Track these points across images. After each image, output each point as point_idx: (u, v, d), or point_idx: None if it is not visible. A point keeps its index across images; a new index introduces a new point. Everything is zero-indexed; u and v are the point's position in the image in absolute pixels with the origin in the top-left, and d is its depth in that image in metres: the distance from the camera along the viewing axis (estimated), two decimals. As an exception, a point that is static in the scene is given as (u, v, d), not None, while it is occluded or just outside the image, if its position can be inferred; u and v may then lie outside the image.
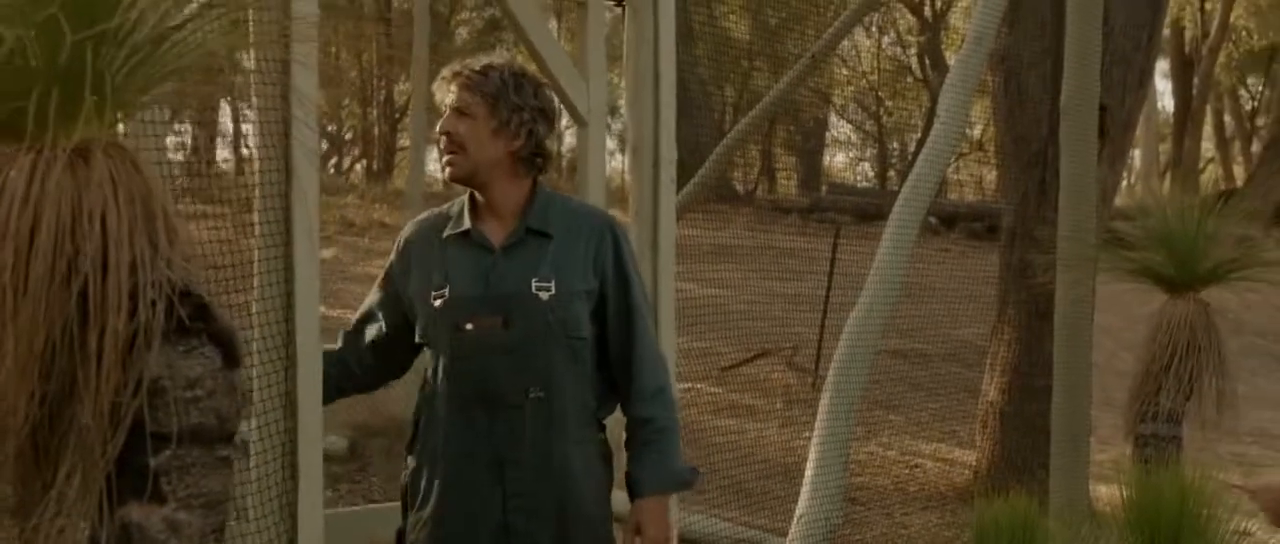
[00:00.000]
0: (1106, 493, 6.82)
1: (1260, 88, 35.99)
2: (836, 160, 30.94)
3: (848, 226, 13.69)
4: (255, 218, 3.16)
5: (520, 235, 3.27)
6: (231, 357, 2.21)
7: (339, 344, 3.48)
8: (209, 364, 2.16)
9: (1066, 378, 5.90)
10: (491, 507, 3.22)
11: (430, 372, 3.31)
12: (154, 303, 2.07)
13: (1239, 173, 32.48)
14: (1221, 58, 31.12)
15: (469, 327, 3.21)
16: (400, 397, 8.36)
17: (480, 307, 3.21)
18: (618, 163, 17.11)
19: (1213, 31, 29.35)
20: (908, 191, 5.60)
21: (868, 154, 27.95)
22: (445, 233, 3.32)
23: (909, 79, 23.47)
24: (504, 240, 3.27)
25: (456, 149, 3.22)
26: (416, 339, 3.36)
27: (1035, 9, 8.21)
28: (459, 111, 3.22)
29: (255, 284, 3.17)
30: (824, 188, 21.93)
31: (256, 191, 3.16)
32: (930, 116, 7.95)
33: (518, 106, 3.22)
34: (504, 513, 3.21)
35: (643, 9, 4.33)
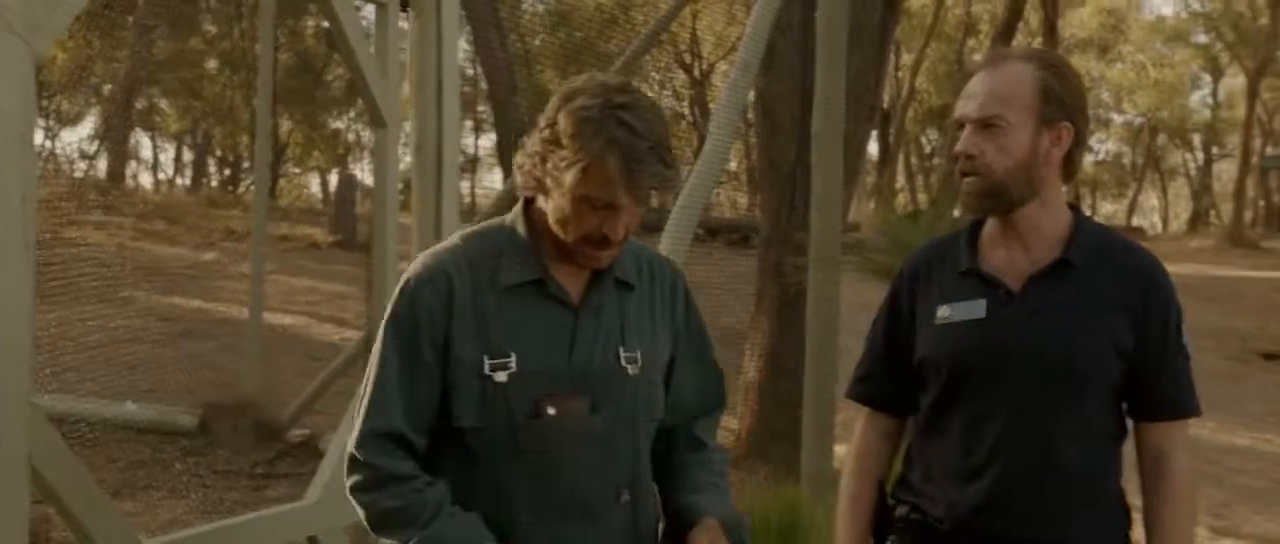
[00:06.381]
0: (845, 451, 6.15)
1: (935, 137, 37.74)
2: (628, 186, 31.03)
3: (635, 236, 13.08)
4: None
5: (606, 288, 1.87)
6: None
7: (408, 468, 1.78)
8: None
9: (817, 359, 5.22)
10: None
11: (472, 467, 1.80)
12: None
13: (923, 198, 33.88)
14: (910, 113, 32.33)
15: (551, 411, 1.78)
16: (245, 373, 7.27)
17: (562, 384, 1.80)
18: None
19: (904, 92, 30.39)
20: (682, 205, 4.92)
21: (652, 181, 28.39)
22: (503, 281, 1.81)
23: (683, 124, 23.29)
24: (582, 293, 1.85)
25: None
26: (452, 422, 1.79)
27: (784, 57, 7.73)
28: None
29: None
30: (618, 206, 22.01)
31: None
32: (698, 152, 7.35)
33: None
34: None
35: (426, 12, 3.28)
